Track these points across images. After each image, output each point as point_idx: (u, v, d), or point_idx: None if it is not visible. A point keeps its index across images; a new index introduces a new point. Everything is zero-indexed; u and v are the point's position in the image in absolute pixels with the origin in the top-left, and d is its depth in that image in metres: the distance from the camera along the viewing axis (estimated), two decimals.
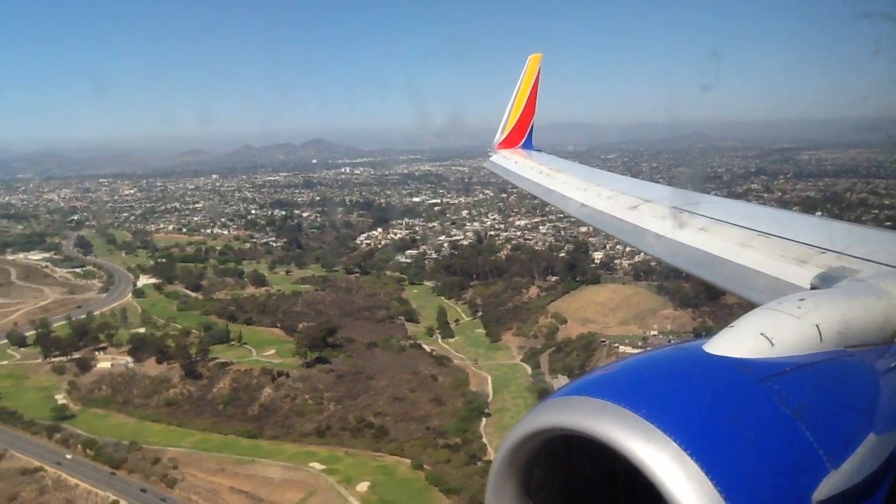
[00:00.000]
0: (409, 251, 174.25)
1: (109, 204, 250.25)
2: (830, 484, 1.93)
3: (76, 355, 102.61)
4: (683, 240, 6.21)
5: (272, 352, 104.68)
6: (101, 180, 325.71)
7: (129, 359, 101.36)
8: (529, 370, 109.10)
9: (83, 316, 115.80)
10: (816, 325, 2.57)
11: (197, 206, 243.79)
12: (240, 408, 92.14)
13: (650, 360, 2.41)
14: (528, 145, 15.34)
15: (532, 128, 15.47)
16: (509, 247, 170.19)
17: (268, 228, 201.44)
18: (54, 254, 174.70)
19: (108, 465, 76.02)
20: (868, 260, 4.18)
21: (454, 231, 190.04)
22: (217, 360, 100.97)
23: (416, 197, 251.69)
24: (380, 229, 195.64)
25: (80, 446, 79.28)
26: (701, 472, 1.78)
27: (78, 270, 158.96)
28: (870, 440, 2.10)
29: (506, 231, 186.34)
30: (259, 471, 74.20)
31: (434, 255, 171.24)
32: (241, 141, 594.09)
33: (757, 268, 5.04)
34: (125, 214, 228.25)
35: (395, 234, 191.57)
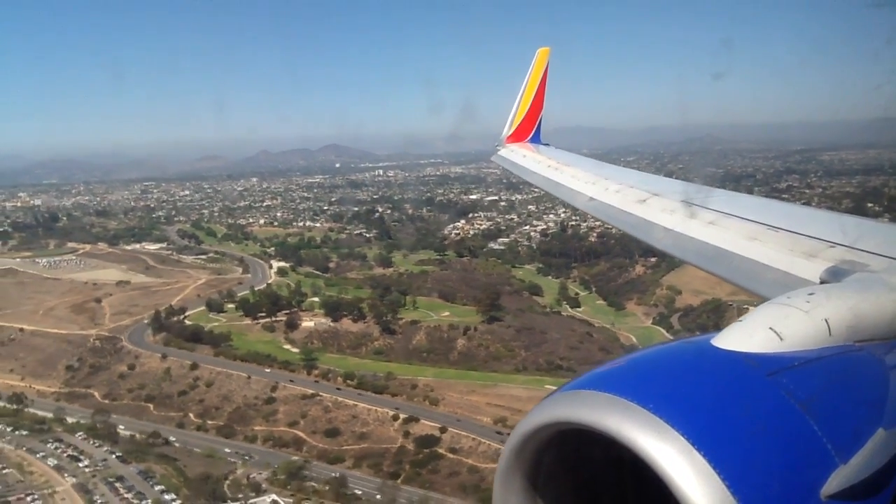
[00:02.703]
0: (500, 239, 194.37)
1: (180, 203, 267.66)
2: (839, 479, 1.97)
3: (278, 317, 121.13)
4: (692, 233, 6.36)
5: (447, 313, 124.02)
6: (145, 183, 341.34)
7: (326, 319, 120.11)
8: (664, 330, 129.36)
9: (262, 287, 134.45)
10: (826, 320, 2.63)
11: (264, 203, 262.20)
12: (441, 354, 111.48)
13: (658, 355, 2.49)
14: (536, 139, 15.59)
15: (540, 122, 15.70)
16: (594, 234, 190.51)
17: (355, 221, 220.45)
18: (168, 244, 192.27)
19: (372, 392, 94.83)
20: (878, 254, 4.26)
21: (535, 222, 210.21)
22: (405, 320, 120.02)
23: (472, 195, 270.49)
24: (462, 221, 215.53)
25: (339, 378, 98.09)
26: (709, 467, 1.82)
27: (203, 257, 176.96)
28: (879, 435, 2.15)
29: (584, 221, 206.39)
30: (504, 391, 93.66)
31: (525, 243, 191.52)
32: (257, 146, 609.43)
33: (766, 262, 5.16)
34: (205, 212, 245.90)
35: (480, 225, 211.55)
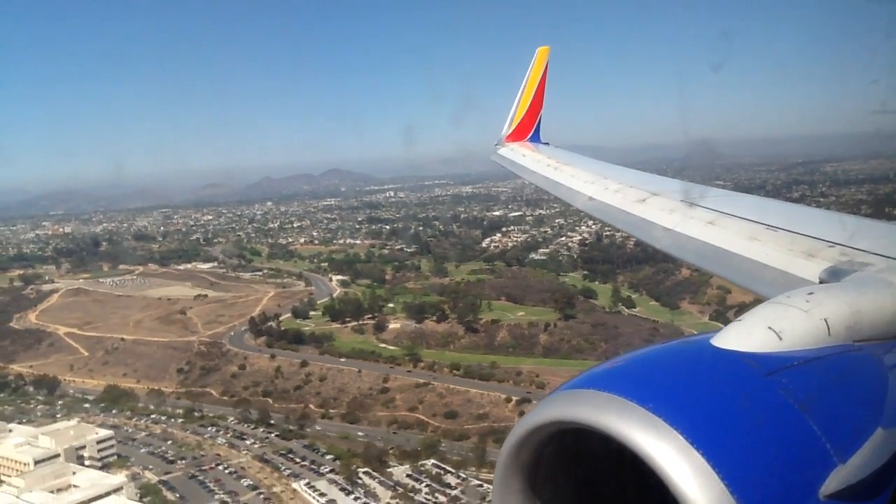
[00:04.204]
0: (540, 250, 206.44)
1: (210, 227, 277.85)
2: (838, 478, 2.00)
3: (363, 321, 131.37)
4: (692, 233, 6.44)
5: (522, 313, 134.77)
6: (163, 210, 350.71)
7: (411, 321, 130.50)
8: (722, 325, 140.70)
9: (338, 295, 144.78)
10: (825, 319, 2.65)
11: (295, 225, 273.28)
12: (526, 349, 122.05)
13: (658, 354, 2.54)
14: (535, 138, 15.73)
15: (540, 121, 15.84)
16: (632, 242, 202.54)
17: (394, 237, 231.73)
18: (219, 263, 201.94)
19: (479, 379, 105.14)
20: (877, 254, 4.30)
21: (569, 233, 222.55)
22: (485, 319, 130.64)
23: (495, 211, 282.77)
24: (499, 235, 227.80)
25: (445, 369, 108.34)
26: (707, 466, 1.86)
27: (259, 273, 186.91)
28: (878, 434, 2.19)
29: (618, 231, 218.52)
30: None
31: (565, 252, 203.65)
32: (259, 173, 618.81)
33: (765, 261, 5.21)
34: (240, 233, 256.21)
35: (517, 238, 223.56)
